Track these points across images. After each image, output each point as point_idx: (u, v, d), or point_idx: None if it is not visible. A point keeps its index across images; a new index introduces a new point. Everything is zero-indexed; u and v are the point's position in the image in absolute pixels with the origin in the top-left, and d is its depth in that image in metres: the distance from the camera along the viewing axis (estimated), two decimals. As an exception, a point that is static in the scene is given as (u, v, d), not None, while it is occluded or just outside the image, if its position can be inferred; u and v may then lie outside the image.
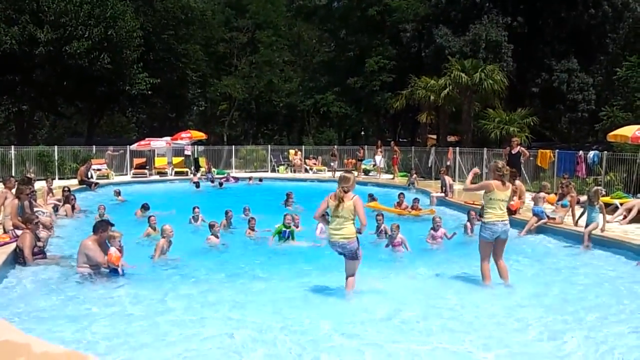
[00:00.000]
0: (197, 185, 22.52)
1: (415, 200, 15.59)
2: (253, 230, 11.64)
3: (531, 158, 20.62)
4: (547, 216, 12.31)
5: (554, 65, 31.14)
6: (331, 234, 7.12)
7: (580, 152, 19.25)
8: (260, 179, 25.23)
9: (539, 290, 7.86)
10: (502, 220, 7.80)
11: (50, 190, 16.01)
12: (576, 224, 11.82)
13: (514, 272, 8.76)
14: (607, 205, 14.14)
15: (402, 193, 16.26)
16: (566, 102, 31.47)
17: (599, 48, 32.99)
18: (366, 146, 31.10)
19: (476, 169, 9.11)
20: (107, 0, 27.93)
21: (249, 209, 13.85)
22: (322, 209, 7.29)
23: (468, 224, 12.11)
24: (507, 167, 8.15)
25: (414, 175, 22.38)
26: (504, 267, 8.00)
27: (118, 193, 17.97)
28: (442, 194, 17.86)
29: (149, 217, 11.86)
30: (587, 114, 31.21)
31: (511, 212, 13.39)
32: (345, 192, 7.01)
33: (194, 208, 13.15)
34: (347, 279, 7.29)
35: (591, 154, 18.79)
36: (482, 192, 8.11)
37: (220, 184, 23.05)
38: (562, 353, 5.57)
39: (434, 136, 37.21)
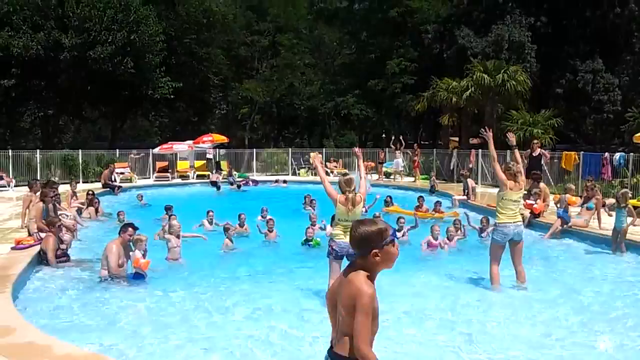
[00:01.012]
0: (218, 187, 22.71)
1: (437, 203, 15.42)
2: (271, 231, 11.58)
3: (555, 160, 20.35)
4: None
5: (579, 65, 30.69)
6: (341, 235, 6.89)
7: (606, 154, 18.92)
8: (285, 181, 25.46)
9: (562, 294, 7.73)
10: (514, 222, 7.69)
11: (74, 194, 16.19)
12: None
13: (536, 275, 8.64)
14: (633, 208, 13.88)
15: (421, 196, 16.11)
16: (591, 103, 30.99)
17: (625, 48, 32.43)
18: (387, 149, 30.92)
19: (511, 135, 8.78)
20: (130, 5, 28.31)
21: (267, 210, 13.86)
22: (331, 192, 7.12)
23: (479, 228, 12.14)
24: (518, 166, 8.00)
25: (433, 178, 22.19)
26: (522, 271, 7.88)
27: (141, 197, 18.15)
28: (465, 197, 17.66)
29: (170, 215, 11.89)
30: (613, 115, 30.67)
31: (535, 215, 13.23)
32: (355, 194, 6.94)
33: (208, 212, 13.12)
34: None
35: (617, 155, 18.46)
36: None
37: (239, 186, 23.22)
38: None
39: (456, 138, 36.87)
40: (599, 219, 11.98)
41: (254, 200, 18.54)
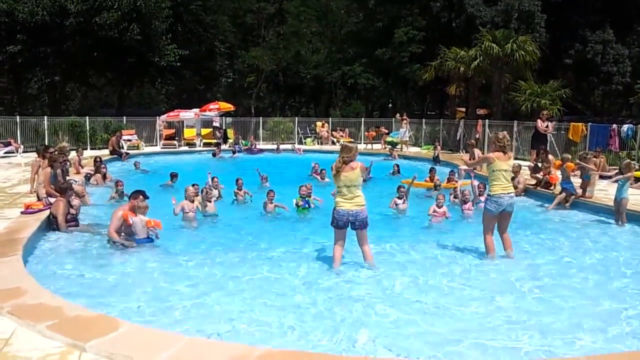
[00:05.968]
0: (214, 154, 23.23)
1: (452, 172, 15.41)
2: (272, 202, 11.30)
3: (562, 132, 20.33)
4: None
5: (589, 36, 30.33)
6: (342, 203, 6.98)
7: (614, 126, 18.84)
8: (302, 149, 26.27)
9: (560, 265, 7.75)
10: (507, 193, 7.68)
11: (80, 160, 16.32)
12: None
13: (535, 245, 8.74)
14: (636, 180, 13.90)
15: (433, 168, 16.12)
16: (600, 74, 30.71)
17: (636, 18, 31.97)
18: (393, 119, 30.83)
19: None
20: (135, -29, 27.99)
21: (266, 177, 14.22)
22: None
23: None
24: (508, 137, 7.99)
25: (438, 148, 22.21)
26: (508, 238, 7.92)
27: (137, 165, 18.48)
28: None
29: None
30: (622, 86, 30.43)
31: (548, 185, 13.35)
32: (345, 162, 6.94)
33: (213, 178, 12.98)
34: (363, 249, 7.19)
35: (625, 127, 18.40)
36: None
37: (214, 155, 23.42)
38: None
39: (463, 109, 36.66)
40: (588, 185, 12.06)
41: (258, 167, 18.61)
